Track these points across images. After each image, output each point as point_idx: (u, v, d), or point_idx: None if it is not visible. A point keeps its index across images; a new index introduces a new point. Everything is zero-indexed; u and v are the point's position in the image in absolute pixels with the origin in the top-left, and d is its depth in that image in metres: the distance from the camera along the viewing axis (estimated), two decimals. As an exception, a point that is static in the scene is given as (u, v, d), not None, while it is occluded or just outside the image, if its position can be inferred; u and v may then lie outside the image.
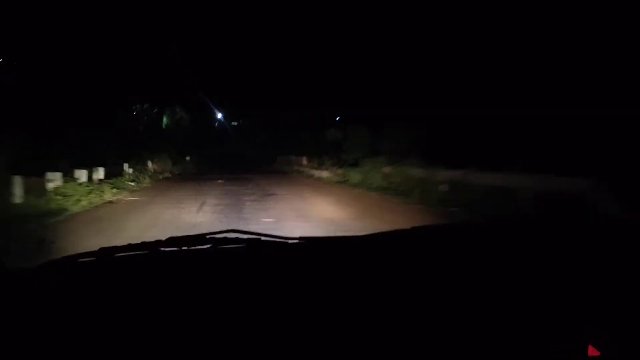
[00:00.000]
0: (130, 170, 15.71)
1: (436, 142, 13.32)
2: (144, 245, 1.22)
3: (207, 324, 0.85)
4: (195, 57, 33.24)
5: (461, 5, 15.23)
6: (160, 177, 19.39)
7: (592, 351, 0.75)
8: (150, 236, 1.47)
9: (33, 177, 9.77)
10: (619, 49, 10.22)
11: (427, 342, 0.80)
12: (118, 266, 1.18)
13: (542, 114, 10.58)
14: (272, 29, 32.07)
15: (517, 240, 1.33)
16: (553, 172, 8.49)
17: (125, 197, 12.03)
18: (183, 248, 1.25)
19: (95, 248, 1.20)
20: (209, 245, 1.26)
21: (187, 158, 31.75)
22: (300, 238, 1.33)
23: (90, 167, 12.81)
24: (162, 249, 1.23)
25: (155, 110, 32.51)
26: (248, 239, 1.30)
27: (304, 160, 21.85)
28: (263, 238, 1.32)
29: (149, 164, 20.14)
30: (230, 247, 1.27)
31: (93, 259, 1.17)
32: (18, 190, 9.04)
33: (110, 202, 11.04)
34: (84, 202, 10.13)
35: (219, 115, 51.90)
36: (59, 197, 9.95)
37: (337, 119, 25.99)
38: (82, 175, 12.09)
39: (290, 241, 1.32)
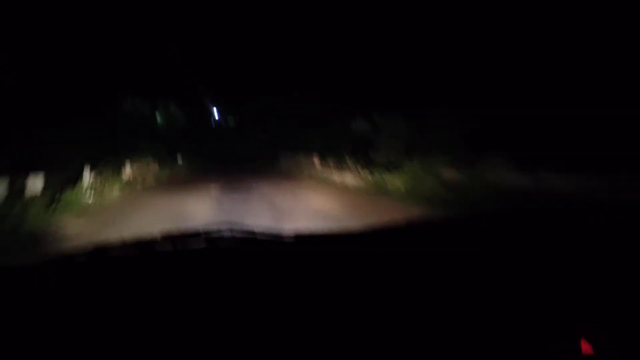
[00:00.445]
0: (91, 179, 11.33)
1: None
2: (138, 243, 1.23)
3: (202, 321, 0.83)
4: (191, 50, 30.95)
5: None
6: (139, 185, 15.07)
7: (585, 348, 0.73)
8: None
9: None
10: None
11: (425, 337, 0.78)
12: (112, 264, 1.15)
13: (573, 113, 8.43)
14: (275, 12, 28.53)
15: (515, 233, 1.30)
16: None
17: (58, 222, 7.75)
18: (178, 245, 1.23)
19: None
20: (204, 242, 1.25)
21: (179, 158, 27.66)
22: (296, 235, 1.32)
23: (26, 172, 8.56)
24: (157, 246, 1.22)
25: (147, 106, 29.18)
26: (243, 235, 1.29)
27: (315, 159, 17.55)
28: (258, 234, 1.31)
29: (127, 167, 15.84)
30: (225, 245, 1.26)
31: (87, 257, 1.16)
32: None
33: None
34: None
35: (216, 112, 50.47)
36: None
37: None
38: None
39: (285, 239, 1.31)
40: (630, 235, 1.17)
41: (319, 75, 23.25)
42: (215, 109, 50.10)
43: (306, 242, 1.33)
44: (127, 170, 15.71)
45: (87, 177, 11.05)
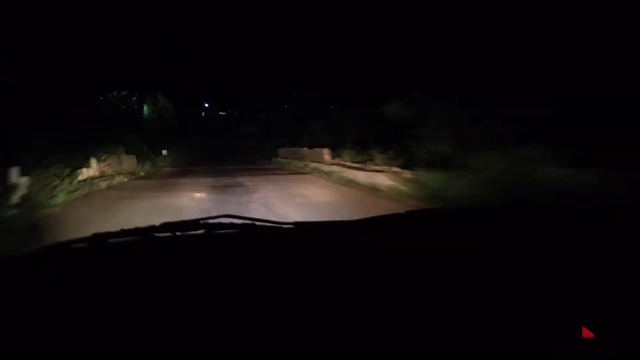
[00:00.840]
0: (23, 180, 7.70)
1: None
2: (137, 230, 1.19)
3: (201, 309, 0.82)
4: (180, 39, 28.63)
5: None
6: (103, 184, 11.51)
7: (586, 333, 0.72)
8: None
9: None
10: None
11: (423, 326, 0.77)
12: (111, 252, 1.15)
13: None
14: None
15: (514, 226, 1.29)
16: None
17: None
18: (177, 233, 1.19)
19: None
20: (203, 231, 1.22)
21: (164, 152, 24.05)
22: (294, 223, 1.30)
23: None
24: (156, 234, 1.18)
25: (134, 99, 28.48)
26: (242, 224, 1.26)
27: (326, 154, 14.06)
28: (258, 223, 1.28)
29: (92, 164, 12.26)
30: (224, 232, 1.23)
31: (86, 244, 1.14)
32: None
33: None
34: None
35: (207, 105, 47.86)
36: None
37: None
38: None
39: (285, 226, 1.29)
40: (629, 228, 1.17)
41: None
42: (207, 104, 47.63)
43: (305, 230, 1.30)
44: (92, 168, 12.14)
45: (14, 178, 7.45)
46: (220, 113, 50.18)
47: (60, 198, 8.21)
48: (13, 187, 7.40)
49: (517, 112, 7.62)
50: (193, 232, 1.20)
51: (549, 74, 8.00)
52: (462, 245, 1.08)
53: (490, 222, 1.37)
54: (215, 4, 29.01)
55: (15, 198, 7.21)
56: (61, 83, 13.78)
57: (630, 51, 7.40)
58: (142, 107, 28.90)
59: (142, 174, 15.69)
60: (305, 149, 16.84)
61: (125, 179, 13.21)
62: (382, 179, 9.34)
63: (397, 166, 9.51)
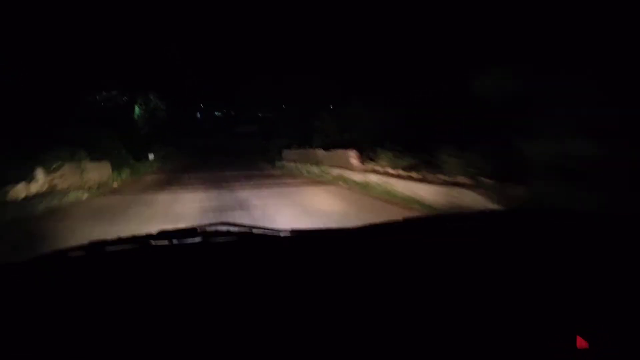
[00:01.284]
0: None
1: None
2: (134, 238, 1.19)
3: (198, 317, 0.80)
4: (177, 36, 26.54)
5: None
6: (41, 206, 7.82)
7: (580, 343, 0.70)
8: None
9: None
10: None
11: (421, 333, 0.76)
12: (109, 260, 1.13)
13: None
14: None
15: (512, 232, 1.25)
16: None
17: None
18: (174, 241, 1.18)
19: None
20: (199, 238, 1.20)
21: (151, 157, 20.40)
22: (292, 230, 1.28)
23: None
24: (153, 242, 1.17)
25: (124, 98, 25.47)
26: (239, 231, 1.25)
27: (353, 158, 10.39)
28: (255, 230, 1.27)
29: (38, 175, 8.64)
30: (221, 240, 1.22)
31: (83, 252, 1.12)
32: None
33: None
34: None
35: (202, 106, 46.26)
36: None
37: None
38: None
39: (282, 233, 1.27)
40: (626, 235, 1.13)
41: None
42: (202, 104, 45.60)
43: (302, 238, 1.28)
44: (37, 181, 8.50)
45: None
46: (216, 113, 47.51)
47: None
48: None
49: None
50: (190, 240, 1.19)
51: None
52: (461, 242, 1.10)
53: (490, 226, 1.34)
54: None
55: None
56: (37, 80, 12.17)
57: None
58: (134, 107, 26.07)
59: (115, 185, 12.02)
60: (320, 151, 13.17)
61: (85, 195, 9.52)
62: (474, 198, 5.68)
63: (485, 176, 5.90)
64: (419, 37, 10.70)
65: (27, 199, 7.84)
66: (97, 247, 1.13)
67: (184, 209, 7.14)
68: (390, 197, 7.69)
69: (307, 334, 0.75)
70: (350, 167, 10.34)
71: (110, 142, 14.39)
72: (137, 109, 26.64)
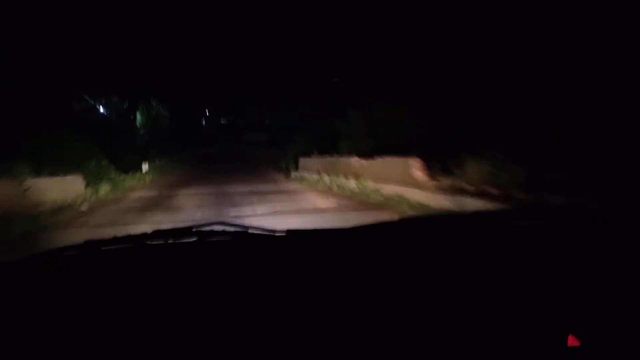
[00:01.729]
0: None
1: None
2: (129, 238, 1.15)
3: (193, 316, 0.79)
4: (182, 41, 24.06)
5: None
6: None
7: (572, 341, 0.70)
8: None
9: None
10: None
11: (413, 332, 0.74)
12: (104, 259, 1.11)
13: None
14: None
15: (507, 232, 1.23)
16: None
17: None
18: (169, 241, 1.16)
19: None
20: (195, 238, 1.18)
21: (145, 168, 17.17)
22: (287, 230, 1.24)
23: None
24: (148, 241, 1.15)
25: (125, 105, 23.77)
26: (235, 231, 1.23)
27: (416, 168, 7.02)
28: (250, 230, 1.25)
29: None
30: (217, 240, 1.19)
31: (78, 252, 1.10)
32: None
33: None
34: None
35: (207, 113, 44.24)
36: None
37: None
38: None
39: (277, 234, 1.24)
40: (618, 236, 1.11)
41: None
42: (208, 111, 43.75)
43: (298, 237, 1.24)
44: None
45: None
46: (222, 121, 45.15)
47: None
48: None
49: None
50: (185, 240, 1.17)
51: None
52: (456, 242, 1.08)
53: (481, 227, 1.31)
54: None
55: None
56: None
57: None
58: (135, 114, 24.35)
59: (83, 207, 8.71)
60: (355, 159, 9.83)
61: (18, 230, 6.18)
62: None
63: None
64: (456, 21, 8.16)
65: None
66: (92, 246, 1.11)
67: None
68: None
69: (301, 332, 0.73)
70: (412, 183, 6.99)
71: (87, 152, 11.15)
72: (138, 116, 24.83)
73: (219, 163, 22.66)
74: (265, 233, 1.24)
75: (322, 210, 7.24)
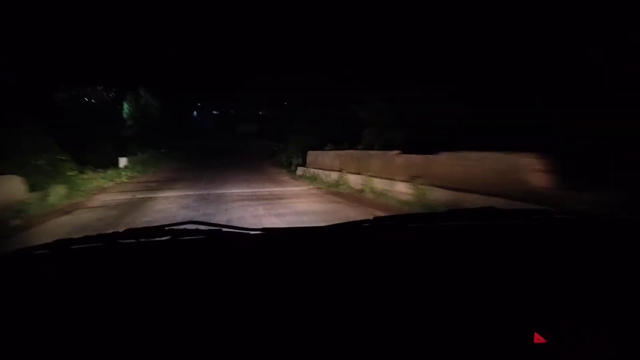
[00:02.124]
0: None
1: None
2: (100, 237, 1.11)
3: (164, 316, 0.74)
4: (167, 26, 23.20)
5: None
6: None
7: (537, 338, 0.66)
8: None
9: None
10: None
11: (389, 331, 0.70)
12: (74, 258, 1.06)
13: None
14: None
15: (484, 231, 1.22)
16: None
17: None
18: (141, 240, 1.11)
19: None
20: (167, 237, 1.13)
21: (123, 162, 14.37)
22: (263, 229, 1.20)
23: None
24: (120, 240, 1.10)
25: (111, 95, 23.03)
26: (208, 230, 1.17)
27: (534, 172, 4.39)
28: (224, 229, 1.18)
29: None
30: (190, 239, 1.15)
31: (47, 251, 1.05)
32: None
33: None
34: None
35: (199, 104, 43.08)
36: None
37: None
38: None
39: (252, 232, 1.19)
40: (598, 235, 1.12)
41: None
42: (199, 102, 42.61)
43: (272, 236, 1.21)
44: None
45: None
46: (214, 112, 42.89)
47: None
48: None
49: None
50: (158, 239, 1.13)
51: None
52: (427, 241, 1.07)
53: (456, 225, 1.30)
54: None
55: None
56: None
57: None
58: (122, 104, 23.38)
59: (16, 222, 5.97)
60: (398, 155, 7.14)
61: None
62: None
63: None
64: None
65: None
66: (62, 245, 1.06)
67: None
68: None
69: (275, 331, 0.70)
70: (531, 195, 4.30)
71: (36, 145, 8.36)
72: (125, 107, 23.66)
73: (210, 157, 19.92)
74: (239, 231, 1.20)
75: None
